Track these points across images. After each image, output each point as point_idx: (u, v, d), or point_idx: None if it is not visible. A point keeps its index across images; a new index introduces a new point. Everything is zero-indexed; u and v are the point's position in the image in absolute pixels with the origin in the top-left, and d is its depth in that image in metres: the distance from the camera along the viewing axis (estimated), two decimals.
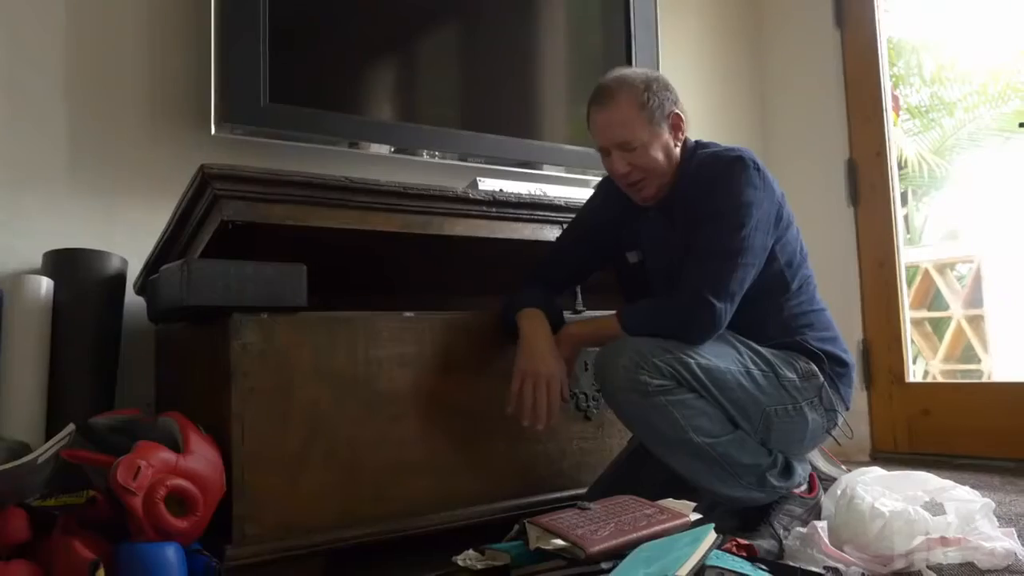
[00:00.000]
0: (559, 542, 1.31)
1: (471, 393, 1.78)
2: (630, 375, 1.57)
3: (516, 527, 1.42)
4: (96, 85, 2.08)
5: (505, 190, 1.95)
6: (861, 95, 3.19)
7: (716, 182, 1.68)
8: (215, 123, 2.07)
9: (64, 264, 1.88)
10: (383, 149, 2.38)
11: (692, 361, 1.59)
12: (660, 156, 1.72)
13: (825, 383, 1.72)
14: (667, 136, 1.73)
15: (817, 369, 1.72)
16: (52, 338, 1.82)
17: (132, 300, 2.00)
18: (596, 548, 1.28)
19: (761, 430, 1.66)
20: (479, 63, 2.58)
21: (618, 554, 1.29)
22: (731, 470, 1.63)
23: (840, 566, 1.51)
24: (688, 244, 1.67)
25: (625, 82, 1.73)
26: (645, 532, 1.36)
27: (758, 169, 1.68)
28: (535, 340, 1.72)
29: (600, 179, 1.97)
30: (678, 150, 1.76)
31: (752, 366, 1.66)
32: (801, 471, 1.73)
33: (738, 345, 1.68)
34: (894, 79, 5.13)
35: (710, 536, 1.31)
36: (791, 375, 1.69)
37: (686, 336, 1.61)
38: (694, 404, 1.60)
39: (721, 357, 1.63)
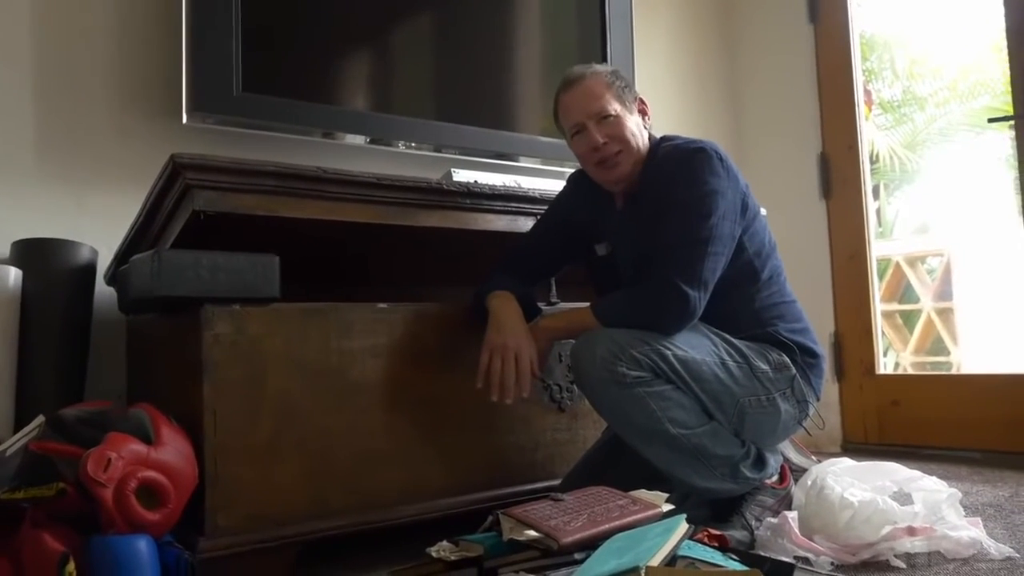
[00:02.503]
0: (532, 533, 1.31)
1: (444, 384, 1.78)
2: (608, 366, 1.57)
3: (489, 518, 1.42)
4: (65, 73, 2.05)
5: (480, 181, 1.94)
6: (834, 90, 3.22)
7: (680, 173, 1.69)
8: (187, 112, 2.04)
9: (33, 254, 1.86)
10: (357, 139, 2.37)
11: (669, 352, 1.60)
12: (635, 131, 1.76)
13: (797, 374, 1.74)
14: (637, 116, 1.79)
15: (789, 360, 1.73)
16: (20, 329, 1.80)
17: (102, 291, 1.98)
18: (569, 539, 1.29)
19: (735, 421, 1.68)
20: (454, 54, 2.57)
21: (591, 545, 1.29)
22: (705, 461, 1.64)
23: (810, 555, 1.53)
24: (656, 236, 1.68)
25: (590, 68, 1.81)
26: (617, 523, 1.37)
27: (721, 159, 1.70)
28: (503, 315, 1.72)
29: (573, 171, 1.97)
30: (647, 136, 1.79)
31: (727, 357, 1.67)
32: (773, 462, 1.75)
33: (712, 336, 1.69)
34: (866, 74, 5.17)
35: (682, 527, 1.32)
36: (764, 366, 1.70)
37: (661, 326, 1.62)
38: (670, 395, 1.60)
39: (697, 348, 1.64)
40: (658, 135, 1.85)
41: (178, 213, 1.60)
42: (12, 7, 1.99)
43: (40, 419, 1.54)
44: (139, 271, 1.58)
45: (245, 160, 1.61)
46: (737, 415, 1.67)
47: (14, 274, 1.80)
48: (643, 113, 1.83)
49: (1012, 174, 4.62)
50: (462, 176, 1.98)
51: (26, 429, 1.52)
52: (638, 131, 1.78)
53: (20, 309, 1.80)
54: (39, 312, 1.82)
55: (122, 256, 1.83)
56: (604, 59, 2.75)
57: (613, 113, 1.74)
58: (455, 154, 2.51)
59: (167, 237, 1.65)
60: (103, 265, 1.97)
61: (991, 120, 3.10)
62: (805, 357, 1.76)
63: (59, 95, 2.04)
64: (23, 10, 2.01)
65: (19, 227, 1.92)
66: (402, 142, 2.42)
